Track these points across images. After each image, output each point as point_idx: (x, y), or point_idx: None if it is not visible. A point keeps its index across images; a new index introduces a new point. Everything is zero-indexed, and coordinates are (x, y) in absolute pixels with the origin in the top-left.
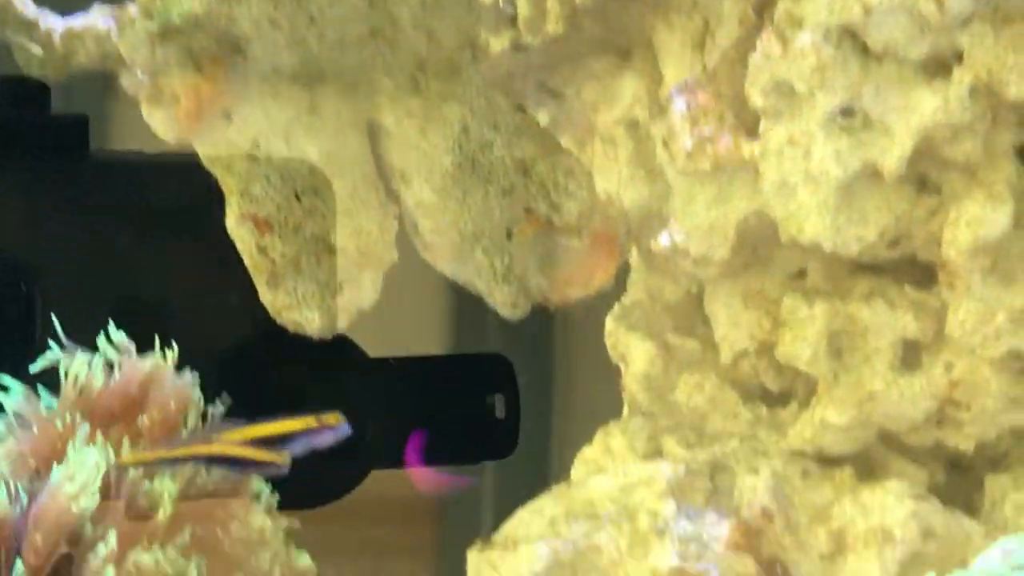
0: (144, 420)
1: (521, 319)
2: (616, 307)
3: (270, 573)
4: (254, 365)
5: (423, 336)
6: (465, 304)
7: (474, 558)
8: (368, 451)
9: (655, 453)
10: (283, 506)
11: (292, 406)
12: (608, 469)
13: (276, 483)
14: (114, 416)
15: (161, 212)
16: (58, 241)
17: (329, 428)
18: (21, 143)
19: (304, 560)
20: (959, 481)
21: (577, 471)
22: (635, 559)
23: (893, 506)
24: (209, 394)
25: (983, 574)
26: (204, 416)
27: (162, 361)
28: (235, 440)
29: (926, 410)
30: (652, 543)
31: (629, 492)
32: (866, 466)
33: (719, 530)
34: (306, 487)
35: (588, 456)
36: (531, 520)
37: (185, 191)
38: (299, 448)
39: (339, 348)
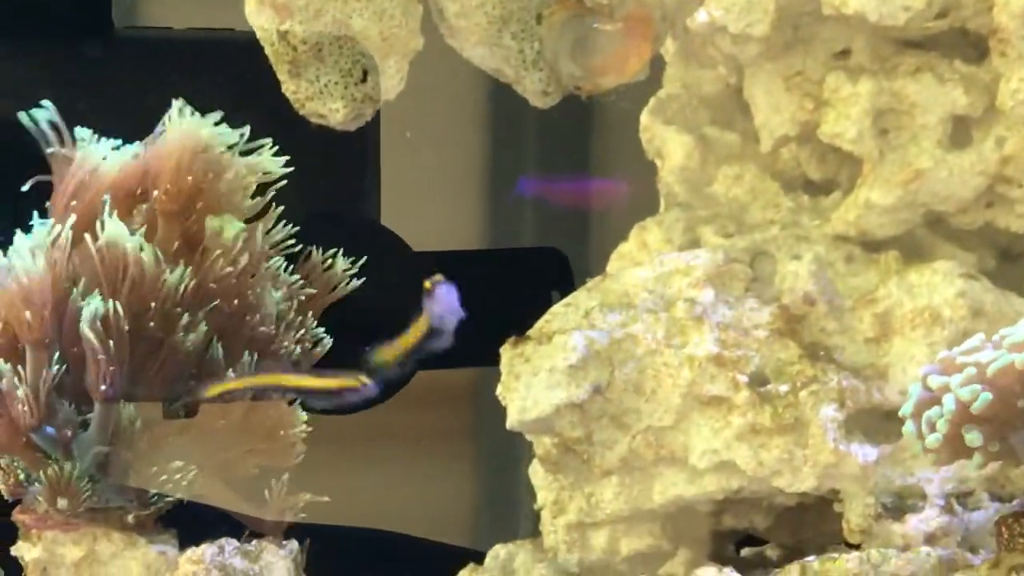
0: (158, 194)
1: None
2: (652, 101)
3: None
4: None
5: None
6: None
7: (507, 354)
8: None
9: (692, 244)
10: (331, 411)
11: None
12: (644, 262)
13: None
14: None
15: (190, 89)
16: (83, 120)
17: (354, 390)
18: (44, 18)
19: None
20: (1010, 269)
21: (612, 266)
22: (672, 347)
23: (941, 286)
24: None
25: None
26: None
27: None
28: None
29: (976, 188)
30: (690, 331)
31: (666, 281)
32: (912, 251)
33: (760, 316)
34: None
35: (624, 251)
36: (565, 313)
37: (213, 67)
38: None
39: (384, 242)
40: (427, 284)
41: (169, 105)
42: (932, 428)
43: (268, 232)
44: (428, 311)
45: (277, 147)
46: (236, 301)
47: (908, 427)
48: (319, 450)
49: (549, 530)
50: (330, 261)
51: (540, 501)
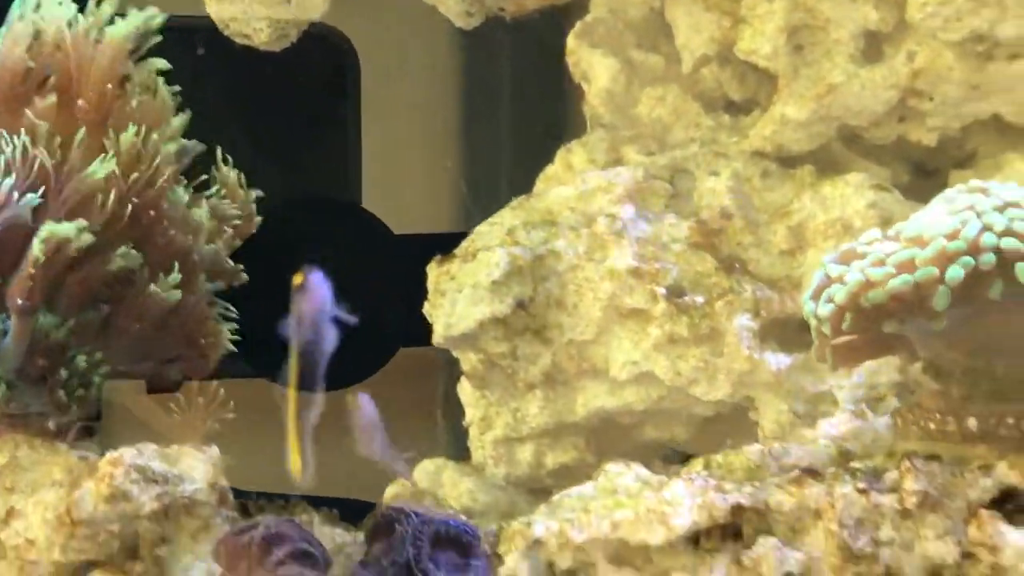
0: (80, 103)
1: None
2: (578, 25)
3: None
4: (282, 241)
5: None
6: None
7: (433, 272)
8: (396, 331)
9: (615, 164)
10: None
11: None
12: (568, 182)
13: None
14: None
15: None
16: None
17: None
18: None
19: None
20: (924, 183)
21: (538, 187)
22: (593, 262)
23: (853, 197)
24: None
25: (927, 220)
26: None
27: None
28: None
29: (887, 101)
30: (610, 246)
31: (588, 199)
32: (828, 166)
33: (678, 231)
34: (340, 369)
35: (549, 173)
36: (490, 232)
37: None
38: None
39: (365, 224)
40: (296, 279)
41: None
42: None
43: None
44: (296, 307)
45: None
46: (153, 212)
47: (807, 308)
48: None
49: (477, 446)
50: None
51: (468, 418)
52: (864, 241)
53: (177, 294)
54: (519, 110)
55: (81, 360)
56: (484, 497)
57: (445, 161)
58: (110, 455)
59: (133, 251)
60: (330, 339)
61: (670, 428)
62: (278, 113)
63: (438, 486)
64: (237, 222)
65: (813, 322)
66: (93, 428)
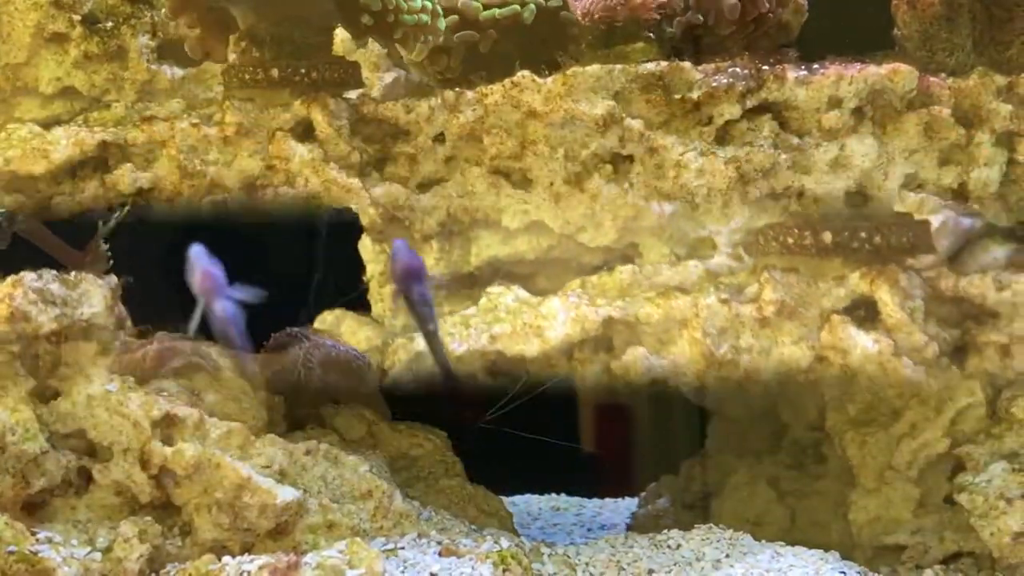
0: None
1: None
2: None
3: None
4: None
5: None
6: None
7: None
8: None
9: None
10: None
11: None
12: None
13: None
14: None
15: None
16: None
17: None
18: None
19: None
20: None
21: None
22: None
23: None
24: None
25: None
26: None
27: None
28: None
29: None
30: None
31: None
32: None
33: None
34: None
35: None
36: None
37: None
38: None
39: None
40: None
41: None
42: None
43: None
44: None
45: None
46: None
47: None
48: None
49: (376, 299)
50: None
51: (369, 273)
52: None
53: None
54: None
55: None
56: (381, 344)
57: None
58: (12, 278)
59: None
60: None
61: (561, 279)
62: None
63: (338, 335)
64: None
65: None
66: None
